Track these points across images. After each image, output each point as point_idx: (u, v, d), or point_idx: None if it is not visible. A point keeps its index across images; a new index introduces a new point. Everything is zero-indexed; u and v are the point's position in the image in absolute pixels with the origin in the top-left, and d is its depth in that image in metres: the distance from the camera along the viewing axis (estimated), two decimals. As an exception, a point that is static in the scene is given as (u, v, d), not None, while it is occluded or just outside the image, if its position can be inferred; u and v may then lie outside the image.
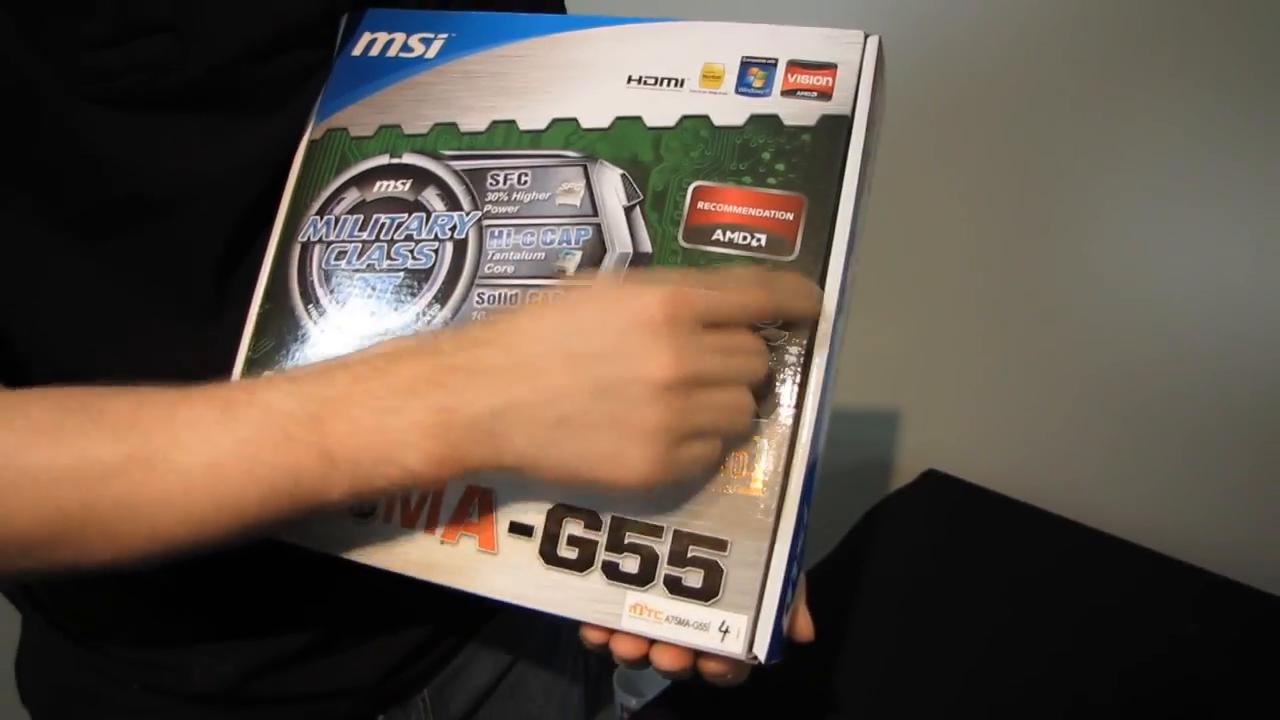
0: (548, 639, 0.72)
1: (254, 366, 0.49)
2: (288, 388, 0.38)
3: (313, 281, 0.49)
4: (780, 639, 0.42)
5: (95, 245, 0.46)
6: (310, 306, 0.49)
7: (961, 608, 0.77)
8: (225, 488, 0.37)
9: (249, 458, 0.36)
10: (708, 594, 0.41)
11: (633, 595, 0.42)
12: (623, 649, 0.43)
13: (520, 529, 0.43)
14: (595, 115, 0.47)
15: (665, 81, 0.46)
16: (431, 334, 0.39)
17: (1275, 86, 0.69)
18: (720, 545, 0.41)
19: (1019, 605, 0.76)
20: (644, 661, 0.44)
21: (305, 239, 0.49)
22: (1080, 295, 0.85)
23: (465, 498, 0.44)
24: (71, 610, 0.56)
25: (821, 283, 0.42)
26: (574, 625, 0.73)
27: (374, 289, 0.48)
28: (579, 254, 0.45)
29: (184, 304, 0.49)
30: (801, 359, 0.42)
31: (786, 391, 0.42)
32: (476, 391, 0.37)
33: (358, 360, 0.39)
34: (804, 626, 0.44)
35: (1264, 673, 0.69)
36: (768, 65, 0.45)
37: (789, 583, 0.41)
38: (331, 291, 0.48)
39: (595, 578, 0.42)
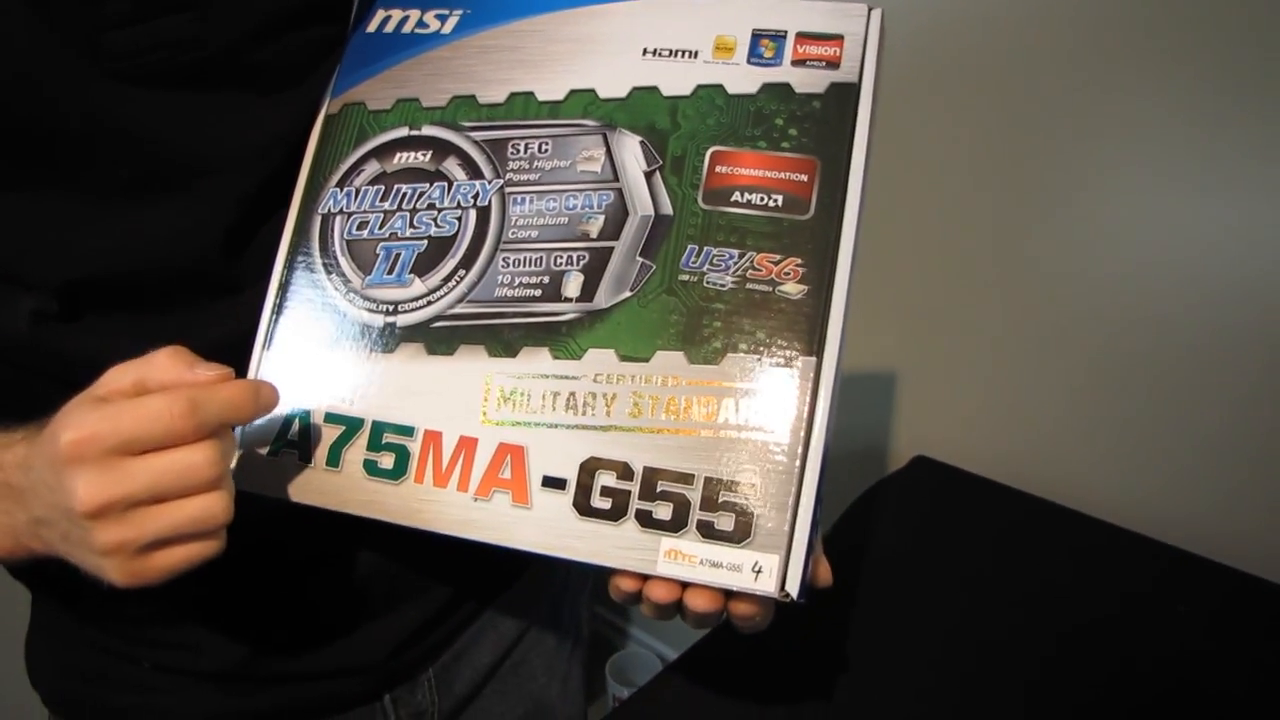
0: (549, 619, 0.74)
1: (273, 341, 0.50)
2: None
3: (335, 252, 0.50)
4: (807, 580, 0.44)
5: (116, 218, 0.47)
6: (333, 276, 0.50)
7: (951, 592, 0.78)
8: None
9: None
10: (740, 536, 0.43)
11: (667, 541, 0.43)
12: (658, 594, 0.44)
13: (553, 482, 0.45)
14: (612, 85, 0.49)
15: (680, 53, 0.48)
16: (12, 435, 0.44)
17: (1275, 72, 0.70)
18: (750, 490, 0.43)
19: (1007, 589, 0.78)
20: (675, 609, 0.46)
21: (325, 210, 0.50)
22: (1070, 282, 0.85)
23: (497, 455, 0.46)
24: (83, 589, 0.56)
25: (837, 238, 0.45)
26: (574, 607, 0.75)
27: (398, 257, 0.49)
28: (602, 217, 0.47)
29: (201, 278, 0.50)
30: (823, 304, 0.44)
31: (807, 338, 0.44)
32: (19, 506, 0.43)
33: None
34: (824, 574, 0.46)
35: (1248, 650, 0.71)
36: (777, 37, 0.48)
37: (815, 525, 0.43)
38: (354, 260, 0.50)
39: (629, 526, 0.44)
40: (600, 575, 0.47)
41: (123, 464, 0.40)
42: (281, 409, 0.49)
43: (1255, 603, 0.75)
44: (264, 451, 0.49)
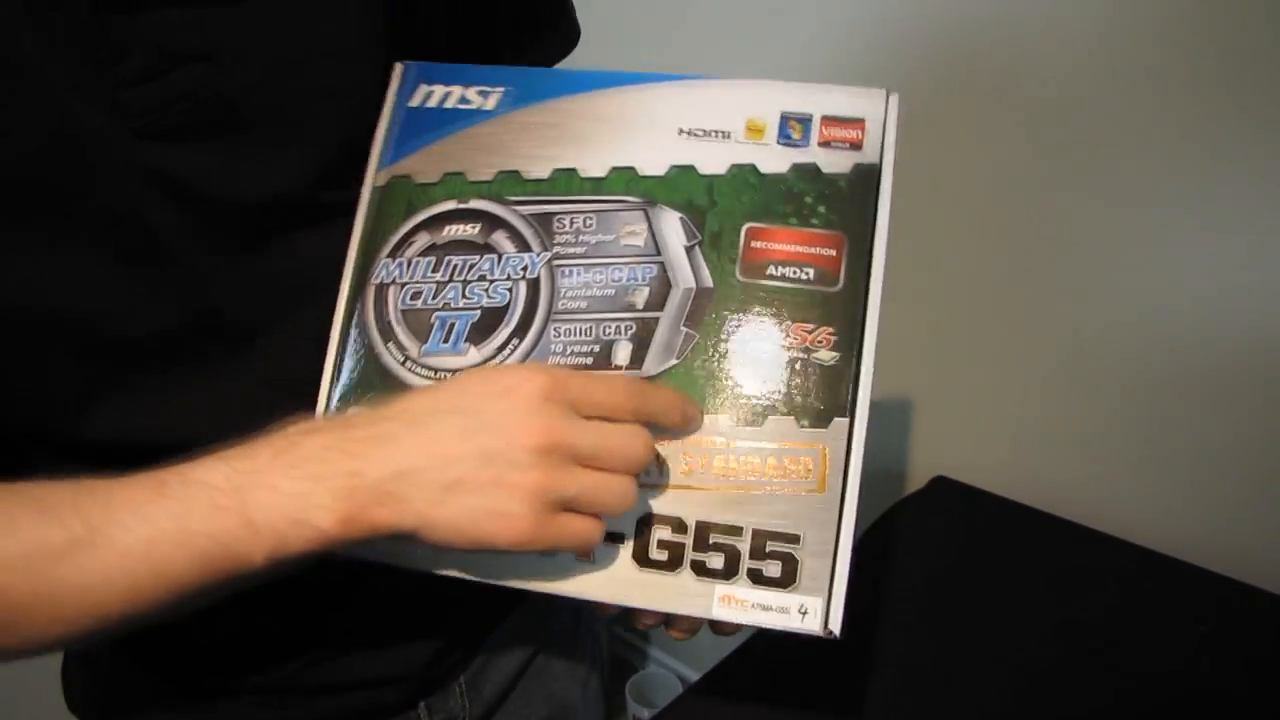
0: (569, 626, 0.78)
1: (340, 401, 0.53)
2: (214, 464, 0.41)
3: (390, 322, 0.53)
4: (846, 619, 0.49)
5: (140, 275, 0.47)
6: (390, 345, 0.53)
7: (971, 613, 0.79)
8: (161, 560, 0.40)
9: (181, 529, 0.40)
10: (786, 582, 0.48)
11: (721, 588, 0.48)
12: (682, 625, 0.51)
13: (613, 537, 0.49)
14: (651, 164, 0.52)
15: (713, 134, 0.52)
16: (345, 414, 0.44)
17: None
18: (794, 539, 0.48)
19: (1028, 608, 0.79)
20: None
21: (379, 281, 0.53)
22: (1089, 302, 0.87)
23: None
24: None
25: (864, 307, 0.50)
26: (591, 616, 0.79)
27: (453, 326, 0.52)
28: (647, 289, 0.51)
29: (218, 328, 0.51)
30: (853, 369, 0.49)
31: (840, 400, 0.49)
32: (379, 457, 0.42)
33: (278, 436, 0.43)
34: None
35: (1274, 670, 0.72)
36: (804, 120, 0.52)
37: (850, 563, 0.48)
38: (409, 329, 0.53)
39: (685, 575, 0.48)
40: None
41: (577, 420, 0.44)
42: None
43: (1276, 619, 0.75)
44: None
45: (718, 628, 0.51)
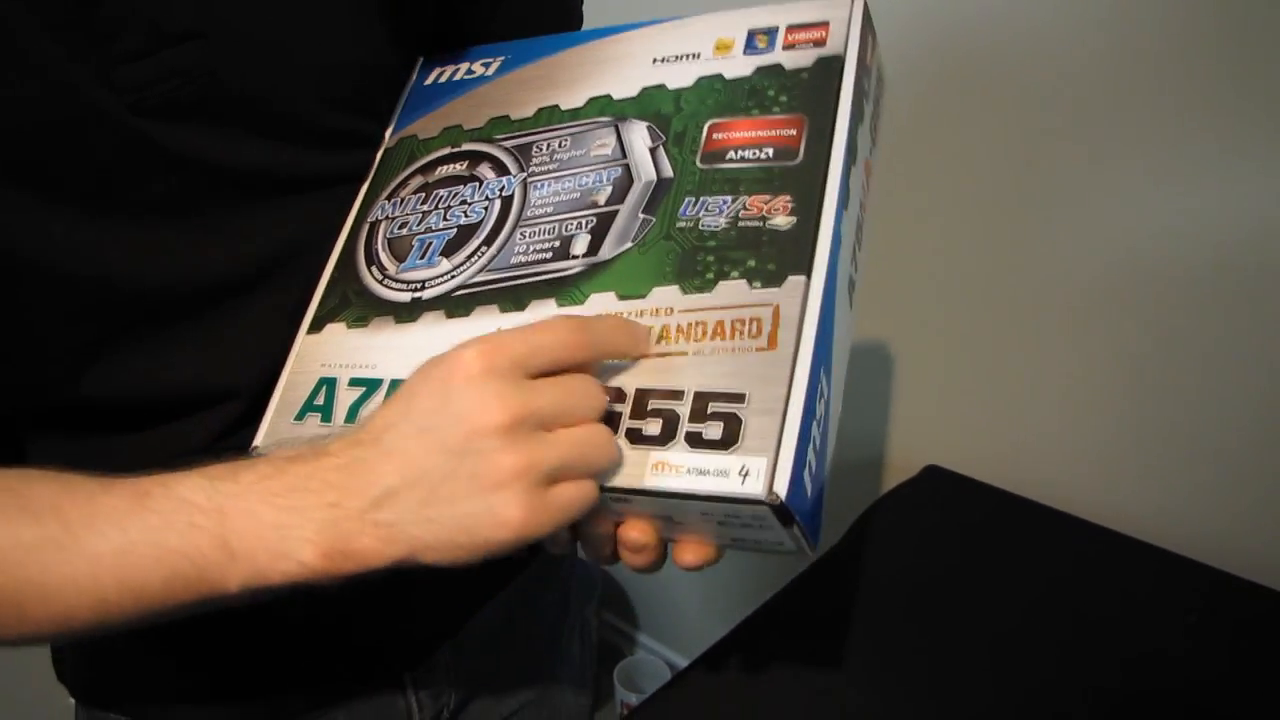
0: (557, 608, 0.73)
1: (319, 323, 0.54)
2: (198, 481, 0.40)
3: (376, 249, 0.55)
4: (805, 497, 0.42)
5: (139, 237, 0.48)
6: (372, 268, 0.54)
7: (962, 601, 0.77)
8: (132, 572, 0.39)
9: (156, 543, 0.39)
10: (727, 442, 0.42)
11: (655, 454, 0.43)
12: (632, 532, 0.44)
13: None
14: (625, 89, 0.54)
15: (684, 56, 0.54)
16: (325, 438, 0.41)
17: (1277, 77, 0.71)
18: (738, 398, 0.42)
19: (1019, 599, 0.77)
20: (656, 558, 0.46)
21: (374, 219, 0.56)
22: (1082, 291, 0.85)
23: None
24: None
25: (824, 176, 0.47)
26: (581, 598, 0.75)
27: (430, 245, 0.53)
28: (610, 188, 0.51)
29: (224, 286, 0.52)
30: (811, 233, 0.45)
31: (796, 259, 0.45)
32: (356, 486, 0.39)
33: (263, 460, 0.41)
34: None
35: (1263, 667, 0.69)
36: (770, 31, 0.52)
37: (807, 434, 0.42)
38: (392, 253, 0.54)
39: (620, 444, 0.43)
40: (608, 578, 0.47)
41: (529, 382, 0.40)
42: (310, 383, 0.52)
43: (1266, 612, 0.74)
44: (290, 419, 0.51)
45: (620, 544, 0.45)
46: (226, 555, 0.39)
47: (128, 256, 0.48)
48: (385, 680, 0.62)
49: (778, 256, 0.45)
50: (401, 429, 0.40)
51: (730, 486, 0.41)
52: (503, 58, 0.59)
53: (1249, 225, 0.74)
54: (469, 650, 0.66)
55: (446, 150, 0.57)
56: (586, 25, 0.62)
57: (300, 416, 0.51)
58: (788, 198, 0.47)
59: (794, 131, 0.48)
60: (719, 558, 0.46)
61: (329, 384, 0.51)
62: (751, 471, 0.41)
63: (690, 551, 0.46)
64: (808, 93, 0.49)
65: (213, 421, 0.52)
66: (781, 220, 0.46)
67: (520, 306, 0.49)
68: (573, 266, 0.49)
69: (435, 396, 0.40)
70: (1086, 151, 0.81)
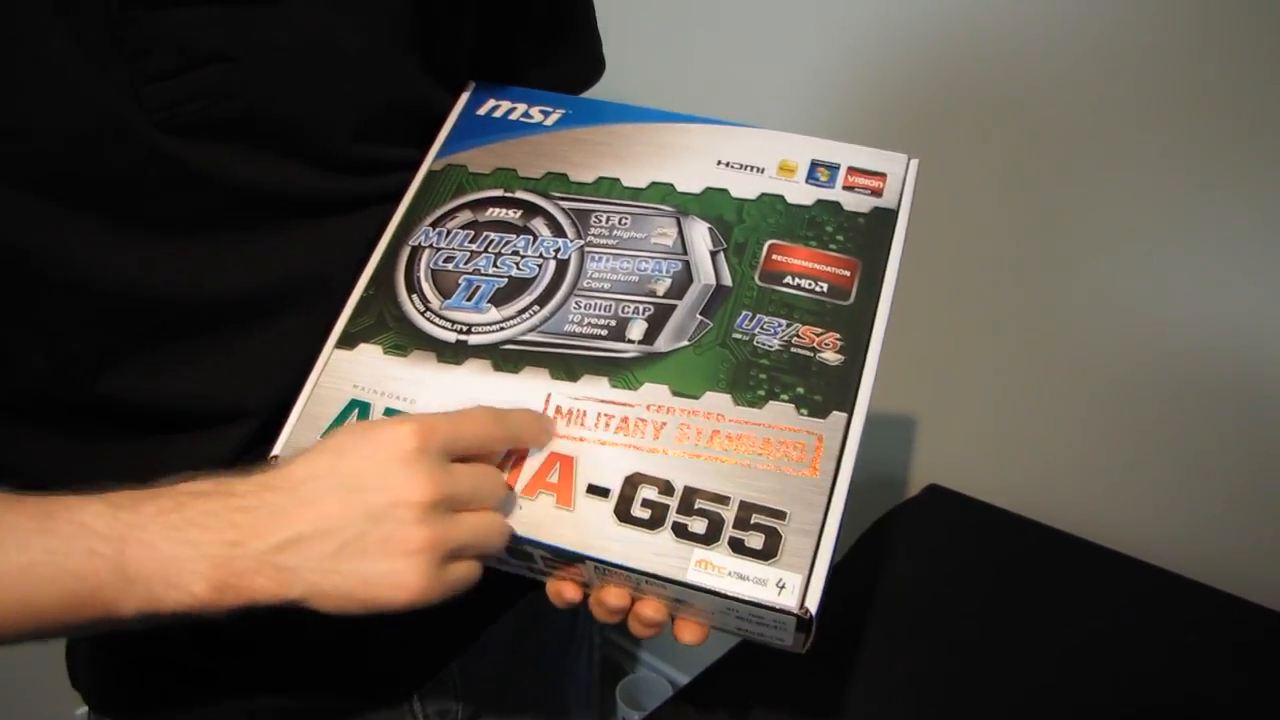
0: (566, 628, 0.76)
1: (352, 340, 0.54)
2: (100, 508, 0.42)
3: (418, 277, 0.55)
4: (822, 603, 0.47)
5: (161, 250, 0.49)
6: (414, 296, 0.55)
7: (962, 621, 0.79)
8: (30, 591, 0.40)
9: (55, 565, 0.40)
10: (767, 555, 0.46)
11: (699, 552, 0.47)
12: (649, 610, 0.49)
13: (597, 490, 0.49)
14: (689, 183, 0.57)
15: (749, 168, 0.58)
16: (229, 478, 0.44)
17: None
18: (780, 515, 0.47)
19: (1020, 617, 0.79)
20: (662, 627, 0.50)
21: (416, 243, 0.56)
22: (1085, 311, 0.87)
23: (547, 462, 0.50)
24: None
25: (872, 322, 0.52)
26: (589, 617, 0.79)
27: (478, 289, 0.55)
28: (669, 280, 0.54)
29: (236, 306, 0.53)
30: (857, 373, 0.51)
31: (841, 397, 0.50)
32: (261, 528, 0.42)
33: (165, 494, 0.43)
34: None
35: (1263, 687, 0.72)
36: (832, 167, 0.57)
37: (832, 554, 0.47)
38: (435, 286, 0.55)
39: (665, 535, 0.47)
40: None
41: (451, 466, 0.45)
42: (341, 401, 0.52)
43: (1264, 632, 0.76)
44: (315, 434, 0.51)
45: (683, 619, 0.50)
46: (124, 581, 0.40)
47: (145, 270, 0.49)
48: (393, 697, 0.63)
49: (825, 390, 0.50)
50: (325, 483, 0.43)
51: (767, 595, 0.46)
52: (563, 111, 0.61)
53: (1245, 253, 0.77)
54: (476, 668, 0.67)
55: (499, 192, 0.58)
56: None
57: (327, 434, 0.51)
58: (837, 335, 0.52)
59: (848, 273, 0.54)
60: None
61: (362, 408, 0.52)
62: (788, 586, 0.46)
63: (690, 632, 0.50)
64: (863, 239, 0.55)
65: (224, 440, 0.52)
66: (831, 356, 0.51)
67: (573, 377, 0.52)
68: (628, 350, 0.52)
69: (366, 461, 0.43)
70: (1093, 182, 0.83)
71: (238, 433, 0.52)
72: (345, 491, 0.42)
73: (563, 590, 0.51)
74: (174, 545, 0.41)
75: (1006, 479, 0.97)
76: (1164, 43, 0.77)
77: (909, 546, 0.89)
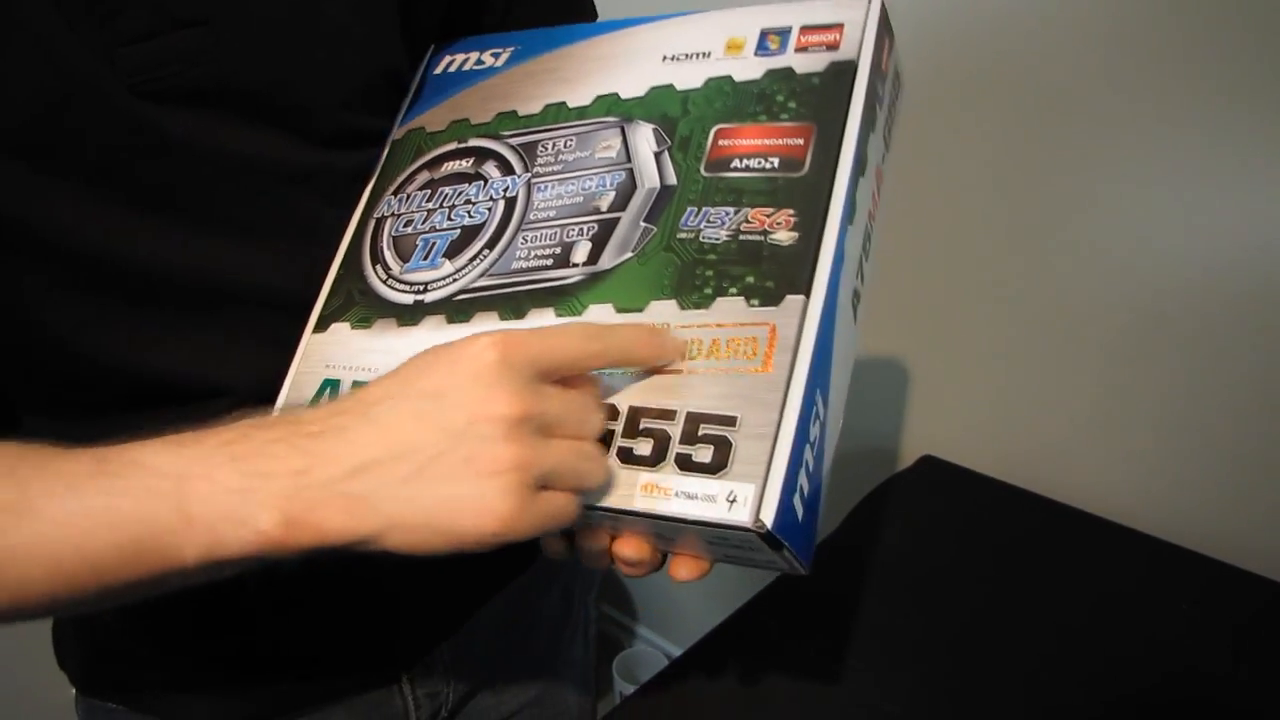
0: (560, 607, 0.74)
1: (325, 322, 0.54)
2: (159, 446, 0.39)
3: (381, 247, 0.54)
4: (795, 522, 0.41)
5: (140, 220, 0.48)
6: (377, 266, 0.54)
7: (956, 592, 0.77)
8: (87, 538, 0.37)
9: (111, 508, 0.37)
10: (716, 467, 0.41)
11: (644, 475, 0.42)
12: (626, 549, 0.44)
13: None
14: (633, 88, 0.53)
15: (694, 55, 0.52)
16: (298, 409, 0.40)
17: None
18: (730, 421, 0.42)
19: (1014, 587, 0.77)
20: (651, 570, 0.46)
21: (380, 214, 0.56)
22: (1081, 282, 0.84)
23: None
24: None
25: (829, 191, 0.45)
26: (584, 597, 0.76)
27: (434, 245, 0.53)
28: (613, 193, 0.50)
29: (215, 277, 0.51)
30: (812, 250, 0.44)
31: (795, 278, 0.44)
32: (332, 454, 0.38)
33: (226, 428, 0.40)
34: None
35: (1254, 649, 0.70)
36: (783, 32, 0.51)
37: (799, 459, 0.41)
38: (397, 252, 0.54)
39: (611, 463, 0.43)
40: (609, 572, 0.47)
41: (539, 385, 0.40)
42: (314, 382, 0.52)
43: (1265, 605, 0.74)
44: None
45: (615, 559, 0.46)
46: (184, 522, 0.37)
47: (122, 237, 0.47)
48: (382, 678, 0.63)
49: (777, 274, 0.44)
50: (397, 403, 0.39)
51: (717, 513, 0.40)
52: (513, 48, 0.58)
53: (1261, 220, 0.73)
54: (468, 650, 0.67)
55: (453, 145, 0.56)
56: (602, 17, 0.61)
57: None
58: (791, 212, 0.45)
59: (801, 141, 0.47)
60: (711, 569, 0.46)
61: (333, 385, 0.51)
62: (739, 498, 0.40)
63: (684, 567, 0.46)
64: (818, 100, 0.48)
65: (206, 417, 0.52)
66: (783, 235, 0.45)
67: (520, 314, 0.49)
68: (572, 275, 0.48)
69: (441, 377, 0.39)
70: (1089, 146, 0.79)
71: (220, 408, 0.52)
72: (420, 409, 0.38)
73: (548, 541, 0.48)
74: (238, 478, 0.37)
75: (1001, 450, 0.93)
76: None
77: (903, 518, 0.87)
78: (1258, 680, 0.67)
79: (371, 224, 0.56)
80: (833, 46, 0.49)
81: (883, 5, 0.49)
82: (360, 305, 0.53)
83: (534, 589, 0.70)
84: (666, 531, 0.43)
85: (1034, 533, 0.83)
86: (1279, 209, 0.71)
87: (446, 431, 0.38)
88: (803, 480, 0.42)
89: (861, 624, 0.73)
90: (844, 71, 0.48)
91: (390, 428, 0.38)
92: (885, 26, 0.50)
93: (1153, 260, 0.79)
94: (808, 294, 0.43)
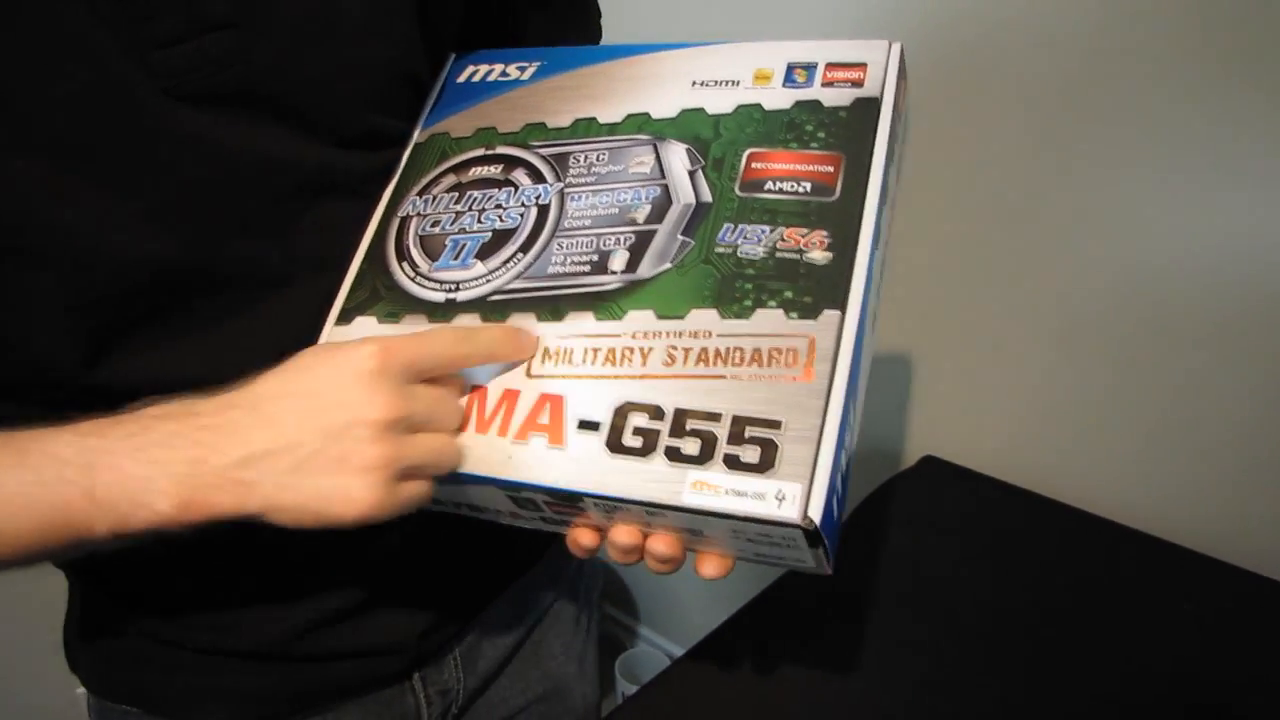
0: (567, 604, 0.75)
1: (348, 315, 0.54)
2: (69, 438, 0.43)
3: (408, 245, 0.56)
4: (833, 521, 0.44)
5: (168, 224, 0.48)
6: (403, 264, 0.55)
7: (958, 591, 0.78)
8: (8, 522, 0.42)
9: (27, 495, 0.42)
10: (764, 467, 0.44)
11: (694, 473, 0.45)
12: (660, 546, 0.47)
13: (588, 424, 0.47)
14: (664, 109, 0.56)
15: (723, 83, 0.55)
16: (193, 399, 0.45)
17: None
18: (774, 424, 0.45)
19: (1015, 587, 0.78)
20: (679, 567, 0.48)
21: (405, 214, 0.57)
22: (1083, 283, 0.85)
23: (537, 404, 0.49)
24: (124, 580, 0.58)
25: (860, 214, 0.49)
26: (589, 593, 0.78)
27: (464, 246, 0.54)
28: (649, 207, 0.52)
29: (252, 275, 0.53)
30: (846, 269, 0.48)
31: (831, 295, 0.47)
32: (224, 445, 0.43)
33: (131, 419, 0.44)
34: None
35: (1254, 649, 0.71)
36: (809, 67, 0.55)
37: (837, 462, 0.44)
38: (424, 250, 0.55)
39: (658, 461, 0.45)
40: (609, 571, 0.49)
41: (411, 387, 0.45)
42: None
43: (1263, 603, 0.75)
44: None
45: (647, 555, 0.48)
46: (93, 504, 0.42)
47: (149, 239, 0.48)
48: (394, 678, 0.63)
49: (814, 290, 0.48)
50: (286, 401, 0.44)
51: (767, 509, 0.43)
52: (538, 63, 0.60)
53: (1264, 221, 0.75)
54: (477, 648, 0.68)
55: (480, 151, 0.58)
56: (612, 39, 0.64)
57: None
58: (824, 233, 0.49)
59: (831, 169, 0.51)
60: (734, 567, 0.49)
61: (360, 378, 0.52)
62: (788, 496, 0.43)
63: (711, 565, 0.48)
64: (846, 132, 0.52)
65: None
66: (818, 255, 0.49)
67: (558, 317, 0.50)
68: (611, 282, 0.51)
69: (327, 380, 0.44)
70: (1094, 147, 0.81)
71: None
72: (305, 409, 0.44)
73: (579, 538, 0.49)
74: (140, 465, 0.42)
75: (1002, 450, 0.96)
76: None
77: (905, 518, 0.89)
78: (1257, 679, 0.68)
79: (395, 222, 0.57)
80: (857, 84, 0.53)
81: (901, 49, 0.54)
82: (386, 300, 0.54)
83: (542, 586, 0.71)
84: (705, 529, 0.46)
85: (1034, 532, 0.86)
86: (1279, 211, 0.73)
87: (326, 431, 0.43)
88: (837, 482, 0.45)
89: (863, 623, 0.74)
90: (869, 107, 0.52)
91: (276, 423, 0.44)
92: (903, 69, 0.54)
93: (1153, 261, 0.80)
94: (844, 309, 0.47)
